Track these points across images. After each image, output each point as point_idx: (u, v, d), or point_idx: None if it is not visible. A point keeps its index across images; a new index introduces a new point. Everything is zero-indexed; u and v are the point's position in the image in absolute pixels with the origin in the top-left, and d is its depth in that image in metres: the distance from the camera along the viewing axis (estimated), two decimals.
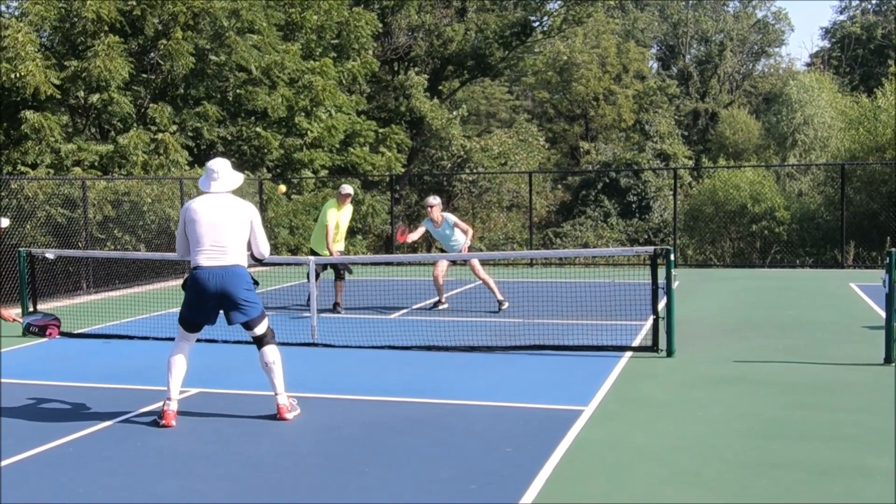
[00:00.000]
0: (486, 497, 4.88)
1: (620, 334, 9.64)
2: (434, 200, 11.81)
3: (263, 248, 6.61)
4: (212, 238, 6.31)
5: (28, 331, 7.32)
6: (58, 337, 7.52)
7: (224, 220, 6.35)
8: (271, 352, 6.47)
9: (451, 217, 11.84)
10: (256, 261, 6.76)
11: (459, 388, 7.52)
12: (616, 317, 10.49)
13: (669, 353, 8.62)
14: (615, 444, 5.86)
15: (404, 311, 11.95)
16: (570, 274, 16.30)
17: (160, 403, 6.56)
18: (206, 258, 6.29)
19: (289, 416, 6.52)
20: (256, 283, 6.54)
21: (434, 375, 8.08)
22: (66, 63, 16.94)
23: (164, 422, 6.35)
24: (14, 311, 7.31)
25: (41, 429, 6.46)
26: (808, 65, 54.20)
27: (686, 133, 45.51)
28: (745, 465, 5.39)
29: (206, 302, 6.33)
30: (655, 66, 53.11)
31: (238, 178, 6.64)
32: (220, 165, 6.56)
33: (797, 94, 37.15)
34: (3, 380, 7.94)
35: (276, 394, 6.52)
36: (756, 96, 52.13)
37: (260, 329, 6.44)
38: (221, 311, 6.43)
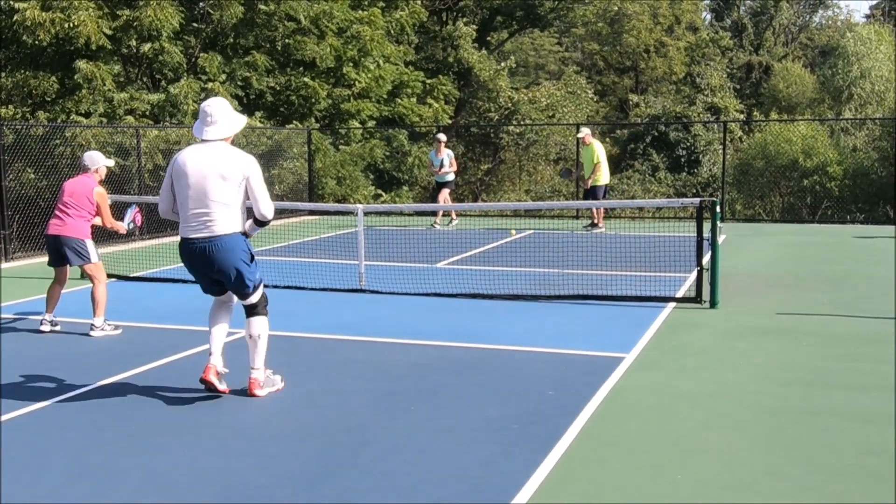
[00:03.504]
0: (528, 436, 5.04)
1: (664, 286, 9.69)
2: (443, 137, 16.73)
3: (265, 208, 5.62)
4: (197, 202, 5.48)
5: (130, 229, 8.42)
6: (139, 218, 8.50)
7: (213, 180, 5.46)
8: (258, 324, 5.76)
9: (450, 154, 16.71)
10: (259, 224, 5.72)
11: (504, 334, 7.67)
12: (660, 269, 10.52)
13: (713, 304, 8.66)
14: (655, 389, 5.97)
15: (449, 260, 12.11)
16: (616, 226, 16.30)
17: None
18: (191, 229, 5.54)
19: (259, 392, 5.79)
20: (252, 255, 5.72)
21: (480, 322, 8.22)
22: (118, 12, 17.17)
23: (202, 375, 5.72)
24: (120, 222, 8.23)
25: (102, 365, 6.74)
26: (868, 16, 52.65)
27: (738, 86, 44.61)
28: (783, 411, 5.47)
29: (202, 276, 5.74)
30: (709, 17, 52.00)
31: (240, 121, 5.72)
32: (217, 106, 5.60)
33: (854, 47, 36.20)
34: (67, 319, 8.27)
35: (252, 368, 5.83)
36: (812, 49, 50.87)
37: (252, 298, 5.76)
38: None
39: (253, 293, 5.72)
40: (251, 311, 5.77)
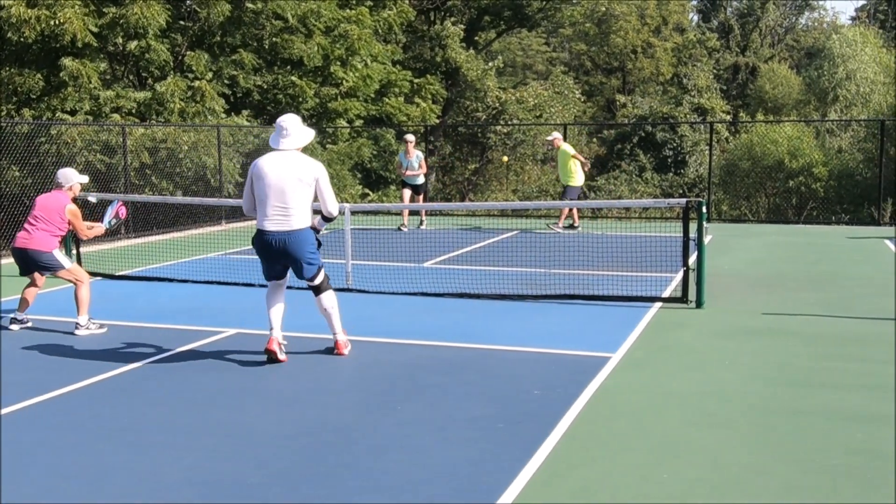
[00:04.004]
0: (515, 435, 5.04)
1: (651, 286, 9.71)
2: (411, 137, 16.09)
3: (332, 206, 6.67)
4: (276, 200, 6.44)
5: (112, 226, 8.37)
6: (123, 211, 8.48)
7: (289, 182, 6.43)
8: (327, 298, 6.80)
9: (420, 155, 16.02)
10: (326, 220, 6.81)
11: (491, 333, 7.66)
12: (647, 269, 10.54)
13: (699, 304, 8.69)
14: (642, 388, 5.98)
15: (436, 259, 12.10)
16: (603, 226, 16.33)
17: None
18: (270, 222, 6.48)
19: (346, 351, 6.92)
20: (320, 243, 6.75)
21: (466, 321, 8.22)
22: (104, 10, 17.07)
23: (266, 346, 6.66)
24: (98, 224, 8.23)
25: (86, 364, 6.71)
26: (853, 18, 53.00)
27: (725, 87, 44.81)
28: (770, 410, 5.49)
29: (273, 262, 6.67)
30: (695, 18, 52.22)
31: (308, 135, 6.68)
32: (291, 122, 6.59)
33: (840, 49, 36.36)
34: (50, 317, 8.22)
35: (334, 333, 6.92)
36: (798, 51, 51.16)
37: (317, 280, 6.75)
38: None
39: (317, 275, 6.73)
40: (317, 290, 6.78)
